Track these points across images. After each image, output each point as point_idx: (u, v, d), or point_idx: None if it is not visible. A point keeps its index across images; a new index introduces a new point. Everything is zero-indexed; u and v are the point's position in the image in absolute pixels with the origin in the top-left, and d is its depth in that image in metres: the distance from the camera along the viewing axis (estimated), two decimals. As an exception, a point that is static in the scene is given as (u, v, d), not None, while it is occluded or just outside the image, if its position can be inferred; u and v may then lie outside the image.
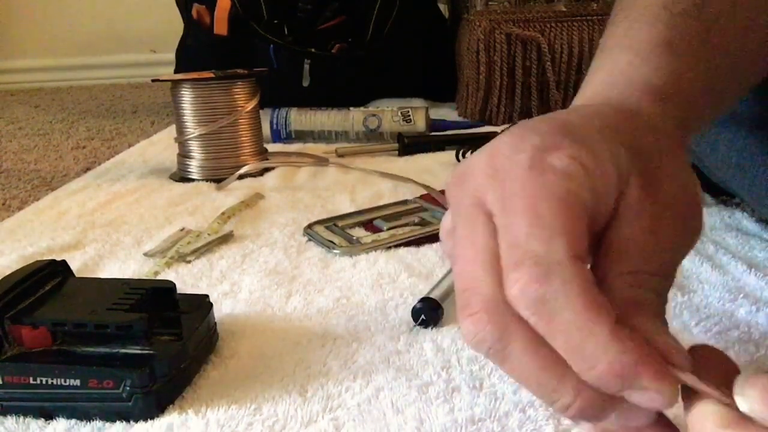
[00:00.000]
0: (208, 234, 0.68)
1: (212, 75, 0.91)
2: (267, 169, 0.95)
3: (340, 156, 1.04)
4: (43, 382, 0.39)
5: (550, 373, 0.25)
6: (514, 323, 0.25)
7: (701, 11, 0.39)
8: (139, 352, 0.40)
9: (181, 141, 0.94)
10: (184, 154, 0.94)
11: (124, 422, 0.39)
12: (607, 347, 0.23)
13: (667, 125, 0.32)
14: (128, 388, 0.38)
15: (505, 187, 0.27)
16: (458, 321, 0.27)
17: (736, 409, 0.23)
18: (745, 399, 0.23)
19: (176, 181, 0.93)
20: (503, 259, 0.26)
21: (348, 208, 0.76)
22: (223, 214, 0.74)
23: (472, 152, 1.01)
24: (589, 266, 0.27)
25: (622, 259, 0.27)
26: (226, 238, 0.68)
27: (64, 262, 0.48)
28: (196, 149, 0.93)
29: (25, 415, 0.40)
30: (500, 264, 0.26)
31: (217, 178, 0.91)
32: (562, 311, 0.24)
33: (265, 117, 1.08)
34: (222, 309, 0.53)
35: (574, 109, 0.32)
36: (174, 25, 1.62)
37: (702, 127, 0.39)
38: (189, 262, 0.62)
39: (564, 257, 0.24)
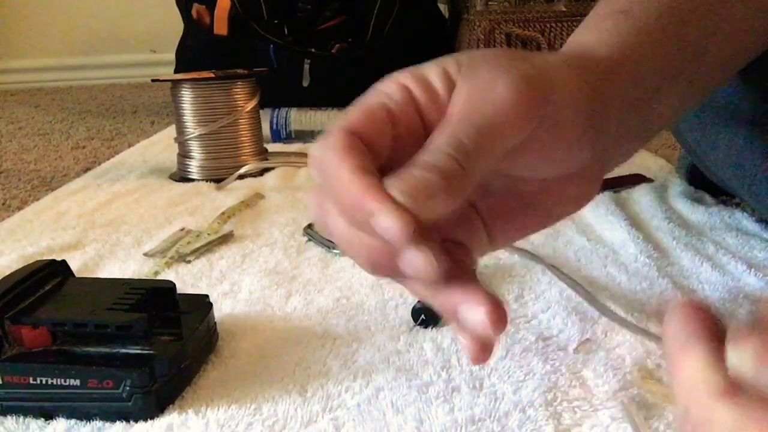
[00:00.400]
0: (208, 234, 0.68)
1: (212, 75, 0.91)
2: (267, 169, 0.95)
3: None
4: (43, 382, 0.39)
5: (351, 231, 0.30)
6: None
7: None
8: (139, 352, 0.40)
9: (181, 141, 0.94)
10: (184, 154, 0.94)
11: (124, 422, 0.39)
12: (349, 185, 0.28)
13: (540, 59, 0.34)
14: (128, 388, 0.38)
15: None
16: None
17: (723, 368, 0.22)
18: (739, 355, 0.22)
19: (176, 181, 0.94)
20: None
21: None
22: (223, 214, 0.74)
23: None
24: None
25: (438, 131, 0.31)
26: (226, 238, 0.68)
27: (64, 262, 0.48)
28: (196, 149, 0.93)
29: (25, 415, 0.40)
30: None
31: (217, 178, 0.91)
32: (328, 168, 0.29)
33: (265, 117, 1.08)
34: (222, 309, 0.53)
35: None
36: (174, 25, 1.62)
37: (663, 81, 0.40)
38: (189, 262, 0.62)
39: (337, 130, 0.30)
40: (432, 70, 0.33)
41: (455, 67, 0.33)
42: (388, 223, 0.26)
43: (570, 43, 0.39)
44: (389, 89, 0.32)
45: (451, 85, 0.32)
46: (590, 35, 0.39)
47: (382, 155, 0.31)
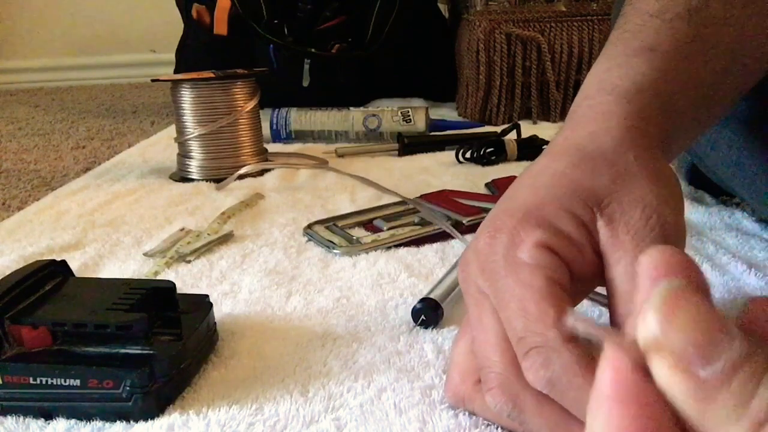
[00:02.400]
0: (208, 234, 0.68)
1: (212, 75, 0.91)
2: (267, 169, 0.95)
3: (340, 156, 1.04)
4: (43, 382, 0.39)
5: (559, 425, 0.31)
6: (523, 391, 0.31)
7: (693, 16, 0.41)
8: (139, 352, 0.40)
9: (181, 141, 0.94)
10: (184, 154, 0.94)
11: (124, 422, 0.39)
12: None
13: (624, 147, 0.36)
14: (128, 388, 0.38)
15: (495, 286, 0.33)
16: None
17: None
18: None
19: (176, 181, 0.93)
20: (514, 347, 0.32)
21: (348, 208, 0.76)
22: (223, 214, 0.74)
23: (471, 152, 1.00)
24: None
25: (617, 302, 0.32)
26: (226, 238, 0.68)
27: (64, 262, 0.48)
28: (196, 149, 0.93)
29: (25, 415, 0.39)
30: (508, 344, 0.32)
31: (217, 178, 0.91)
32: (567, 391, 0.29)
33: (265, 117, 1.08)
34: (222, 309, 0.53)
35: (532, 177, 0.37)
36: (174, 25, 1.62)
37: (690, 119, 0.41)
38: (189, 262, 0.62)
39: (559, 344, 0.30)
40: (567, 223, 0.33)
41: (588, 214, 0.33)
42: None
43: (603, 83, 0.39)
44: (539, 258, 0.32)
45: (588, 234, 0.33)
46: (625, 77, 0.39)
47: None
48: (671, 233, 0.32)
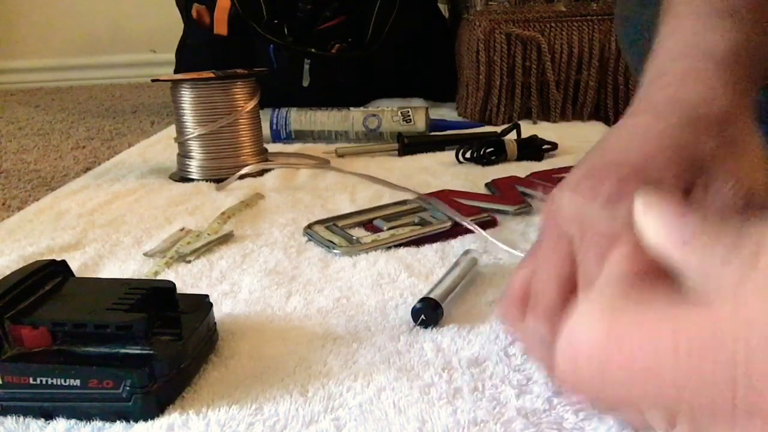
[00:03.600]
0: (208, 234, 0.68)
1: (212, 75, 0.91)
2: (267, 169, 0.95)
3: (340, 156, 1.04)
4: (43, 382, 0.39)
5: None
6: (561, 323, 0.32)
7: None
8: (139, 352, 0.40)
9: (181, 141, 0.94)
10: (184, 154, 0.94)
11: (124, 422, 0.39)
12: None
13: (735, 114, 0.37)
14: (128, 388, 0.38)
15: (585, 235, 0.34)
16: (503, 304, 0.38)
17: None
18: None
19: (176, 181, 0.93)
20: (580, 287, 0.33)
21: (348, 208, 0.76)
22: (223, 214, 0.74)
23: (471, 152, 1.00)
24: None
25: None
26: (226, 238, 0.67)
27: (64, 262, 0.48)
28: (196, 149, 0.93)
29: (25, 415, 0.39)
30: (567, 284, 0.34)
31: (217, 178, 0.91)
32: None
33: (265, 117, 1.08)
34: (222, 309, 0.53)
35: (640, 133, 0.37)
36: (174, 25, 1.62)
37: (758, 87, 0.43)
38: (189, 262, 0.62)
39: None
40: (667, 182, 0.34)
41: (690, 177, 0.35)
42: None
43: (697, 45, 0.41)
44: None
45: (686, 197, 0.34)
46: (716, 35, 0.40)
47: None
48: (758, 200, 0.34)
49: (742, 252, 0.22)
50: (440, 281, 0.52)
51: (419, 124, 1.14)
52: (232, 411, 0.39)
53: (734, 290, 0.22)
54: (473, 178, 0.87)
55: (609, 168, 0.35)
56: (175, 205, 0.81)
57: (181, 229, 0.70)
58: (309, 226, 0.69)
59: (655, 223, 0.26)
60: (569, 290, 0.33)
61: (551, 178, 0.79)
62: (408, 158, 1.02)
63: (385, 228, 0.68)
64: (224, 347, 0.46)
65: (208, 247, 0.65)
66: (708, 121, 0.36)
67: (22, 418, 0.39)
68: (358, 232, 0.68)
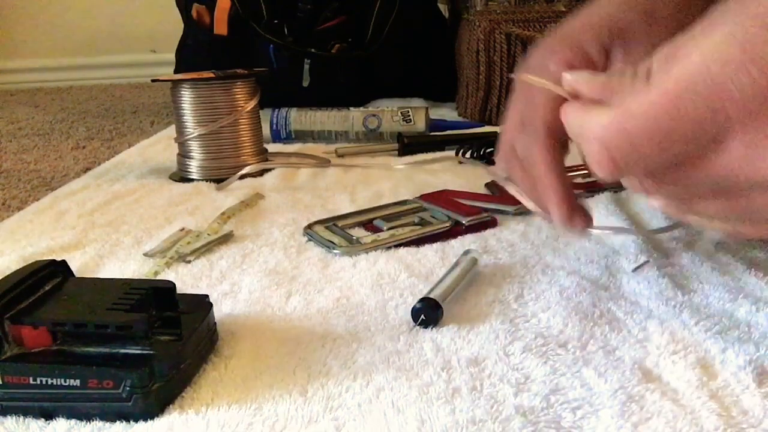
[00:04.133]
0: (208, 234, 0.68)
1: (212, 75, 0.91)
2: (267, 169, 0.95)
3: (340, 156, 1.04)
4: (43, 382, 0.39)
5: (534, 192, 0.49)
6: (516, 162, 0.50)
7: None
8: (139, 352, 0.40)
9: (181, 141, 0.94)
10: (184, 154, 0.94)
11: (124, 422, 0.39)
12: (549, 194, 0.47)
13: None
14: (128, 388, 0.38)
15: (523, 86, 0.49)
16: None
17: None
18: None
19: (176, 181, 0.94)
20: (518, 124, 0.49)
21: (348, 208, 0.76)
22: (222, 214, 0.74)
23: (471, 152, 1.00)
24: None
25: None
26: (226, 238, 0.68)
27: (64, 262, 0.48)
28: (196, 149, 0.93)
29: (25, 415, 0.40)
30: (520, 122, 0.49)
31: (217, 178, 0.91)
32: (532, 167, 0.47)
33: (265, 117, 1.08)
34: (222, 309, 0.53)
35: (584, 12, 0.49)
36: (174, 25, 1.62)
37: None
38: (189, 262, 0.62)
39: (541, 133, 0.46)
40: (589, 44, 0.47)
41: (611, 44, 0.47)
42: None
43: None
44: (560, 70, 0.42)
45: (607, 59, 0.46)
46: None
47: None
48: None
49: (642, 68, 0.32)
50: (440, 281, 0.52)
51: (419, 124, 1.14)
52: (231, 411, 0.39)
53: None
54: (473, 178, 0.87)
55: (551, 36, 0.48)
56: (175, 205, 0.81)
57: (181, 229, 0.70)
58: (309, 226, 0.69)
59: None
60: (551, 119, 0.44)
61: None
62: (408, 158, 1.02)
63: (385, 228, 0.68)
64: (224, 347, 0.46)
65: (208, 247, 0.65)
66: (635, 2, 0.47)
67: (22, 418, 0.39)
68: (358, 232, 0.68)
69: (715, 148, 0.30)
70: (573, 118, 0.35)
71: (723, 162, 0.30)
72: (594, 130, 0.32)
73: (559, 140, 0.46)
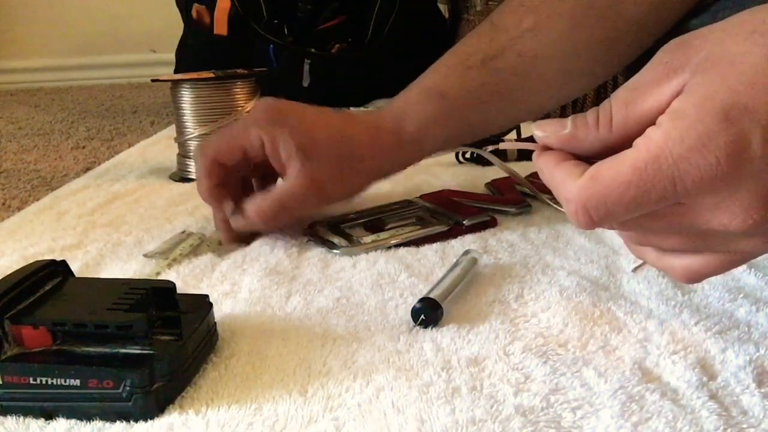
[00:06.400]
0: (208, 245, 0.67)
1: (212, 75, 0.91)
2: (267, 169, 0.95)
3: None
4: (43, 382, 0.39)
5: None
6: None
7: (485, 65, 0.63)
8: (139, 352, 0.40)
9: (181, 141, 0.94)
10: (184, 154, 0.94)
11: (124, 422, 0.39)
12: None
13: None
14: (128, 388, 0.38)
15: None
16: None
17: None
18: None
19: (176, 181, 0.94)
20: None
21: (348, 208, 0.76)
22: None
23: (471, 152, 1.00)
24: None
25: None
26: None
27: (64, 262, 0.48)
28: (196, 149, 0.93)
29: (25, 415, 0.40)
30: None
31: (217, 178, 0.90)
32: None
33: (265, 117, 1.08)
34: (222, 309, 0.53)
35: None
36: (174, 25, 1.62)
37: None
38: (189, 262, 0.62)
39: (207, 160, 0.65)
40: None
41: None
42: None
43: (397, 102, 0.66)
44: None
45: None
46: (409, 107, 0.65)
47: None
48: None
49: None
50: (440, 281, 0.52)
51: (419, 124, 1.13)
52: (231, 411, 0.39)
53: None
54: (473, 179, 0.87)
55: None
56: (175, 205, 0.81)
57: (182, 232, 0.70)
58: (309, 226, 0.69)
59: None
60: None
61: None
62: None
63: (385, 228, 0.68)
64: (224, 347, 0.46)
65: (209, 249, 0.65)
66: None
67: (22, 418, 0.39)
68: (358, 232, 0.68)
69: (680, 208, 0.35)
70: (548, 174, 0.38)
71: (688, 217, 0.35)
72: (571, 191, 0.36)
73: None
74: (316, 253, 0.64)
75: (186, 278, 0.59)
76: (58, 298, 0.44)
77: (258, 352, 0.46)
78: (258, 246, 0.66)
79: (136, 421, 0.39)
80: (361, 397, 0.40)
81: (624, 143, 0.35)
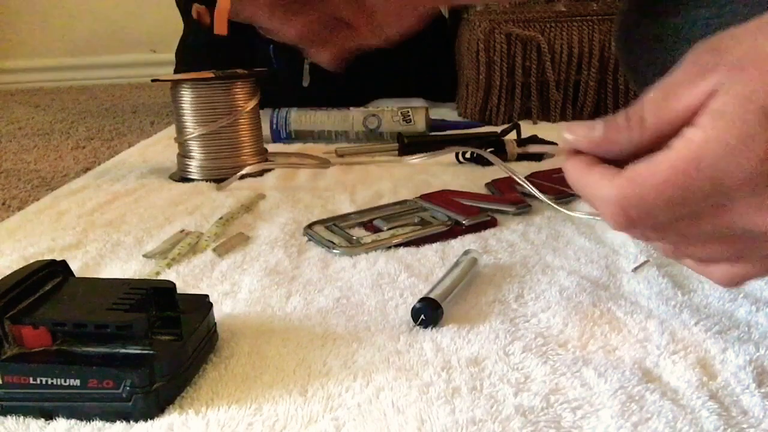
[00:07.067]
0: (207, 239, 0.67)
1: (212, 75, 0.91)
2: (267, 169, 0.95)
3: (340, 156, 1.04)
4: (43, 382, 0.39)
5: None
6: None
7: None
8: (139, 352, 0.40)
9: (181, 141, 0.94)
10: (184, 154, 0.94)
11: (124, 422, 0.39)
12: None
13: None
14: (128, 388, 0.38)
15: None
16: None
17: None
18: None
19: (176, 181, 0.94)
20: None
21: (348, 208, 0.76)
22: (221, 218, 0.73)
23: (471, 152, 1.00)
24: None
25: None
26: (238, 239, 0.67)
27: (64, 262, 0.48)
28: (196, 149, 0.93)
29: (25, 415, 0.40)
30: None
31: (217, 178, 0.91)
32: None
33: (265, 117, 1.08)
34: (222, 309, 0.53)
35: None
36: (174, 25, 1.62)
37: None
38: (189, 262, 0.62)
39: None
40: None
41: None
42: None
43: None
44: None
45: None
46: None
47: None
48: None
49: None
50: (440, 281, 0.52)
51: (419, 124, 1.14)
52: (231, 411, 0.39)
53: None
54: (473, 178, 0.87)
55: None
56: (175, 205, 0.81)
57: (181, 231, 0.70)
58: (309, 226, 0.69)
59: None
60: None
61: (551, 178, 0.79)
62: (408, 158, 1.02)
63: (385, 228, 0.68)
64: (224, 347, 0.46)
65: (208, 243, 0.65)
66: None
67: (22, 418, 0.39)
68: (358, 232, 0.68)
69: (720, 209, 0.34)
70: (578, 179, 0.37)
71: (728, 217, 0.34)
72: (609, 192, 0.35)
73: None
74: (316, 253, 0.64)
75: (186, 278, 0.59)
76: (58, 298, 0.44)
77: (258, 352, 0.46)
78: (258, 246, 0.66)
79: (136, 421, 0.39)
80: (361, 397, 0.40)
81: (656, 145, 0.34)
